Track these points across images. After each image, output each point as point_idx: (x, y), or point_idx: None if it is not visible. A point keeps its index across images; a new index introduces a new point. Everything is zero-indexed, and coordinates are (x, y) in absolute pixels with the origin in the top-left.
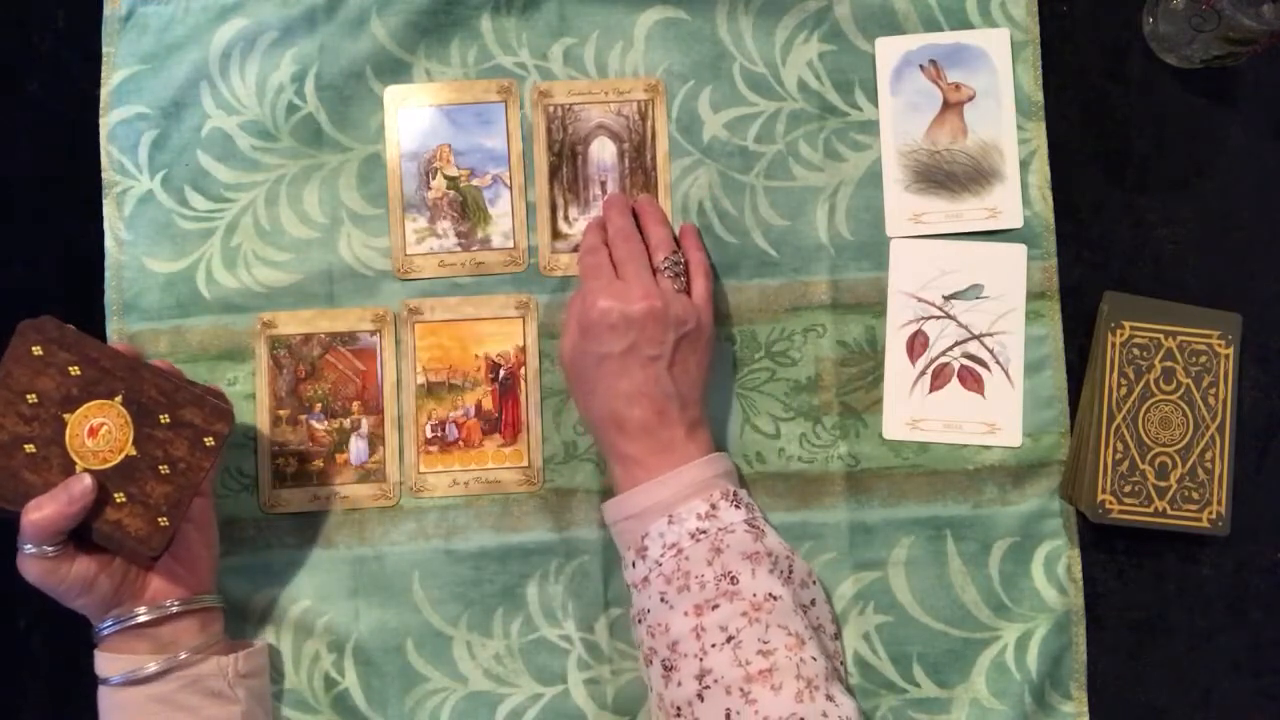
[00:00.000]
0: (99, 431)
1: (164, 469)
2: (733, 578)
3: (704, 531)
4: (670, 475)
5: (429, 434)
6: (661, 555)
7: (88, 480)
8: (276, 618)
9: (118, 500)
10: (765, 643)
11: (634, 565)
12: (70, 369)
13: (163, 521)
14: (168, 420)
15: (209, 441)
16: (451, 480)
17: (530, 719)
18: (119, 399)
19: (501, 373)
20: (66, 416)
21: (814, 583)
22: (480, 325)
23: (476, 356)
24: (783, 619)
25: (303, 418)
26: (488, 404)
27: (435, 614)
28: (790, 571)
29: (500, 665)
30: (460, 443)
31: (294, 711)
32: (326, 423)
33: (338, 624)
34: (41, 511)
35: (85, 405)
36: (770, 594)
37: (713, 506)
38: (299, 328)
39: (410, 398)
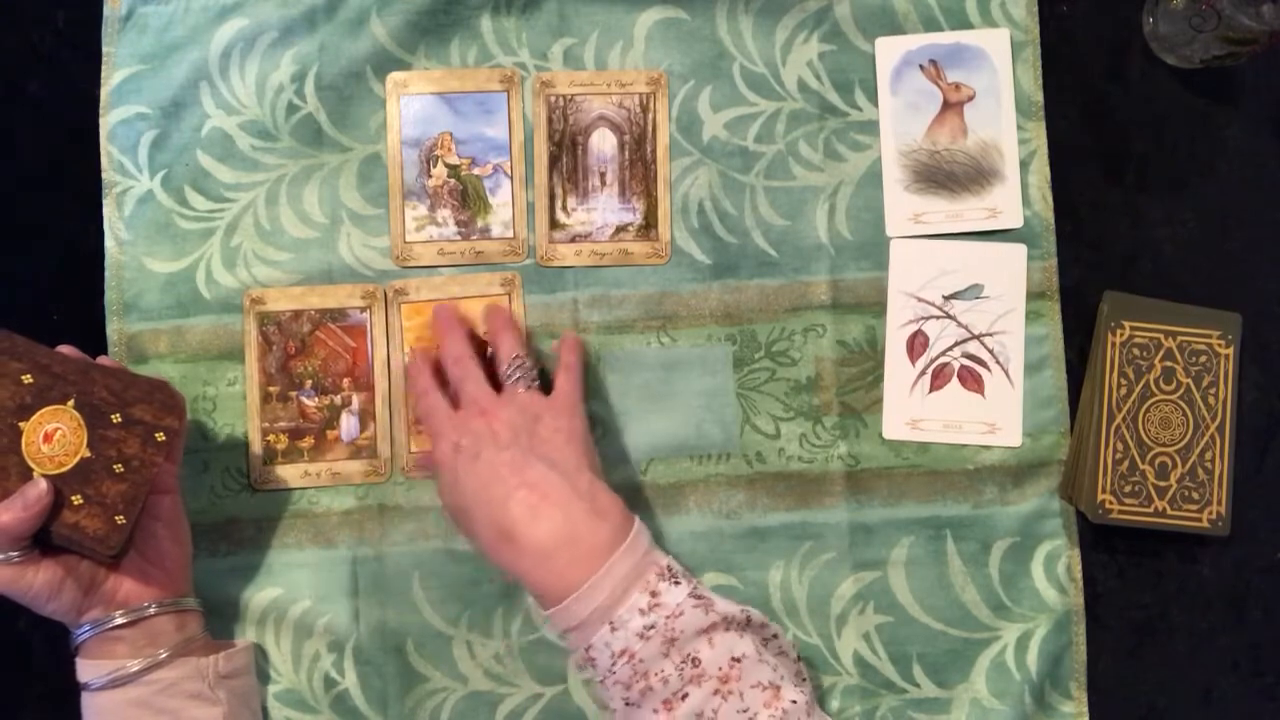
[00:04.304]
0: (54, 437)
1: (118, 468)
2: (694, 660)
3: (652, 627)
4: (599, 577)
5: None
6: (613, 664)
7: (43, 484)
8: (276, 618)
9: (75, 502)
10: (744, 711)
11: (582, 668)
12: (23, 378)
13: (119, 520)
14: (119, 419)
15: (160, 437)
16: None
17: (530, 719)
18: (71, 403)
19: (489, 350)
20: (21, 425)
21: (769, 620)
22: (466, 304)
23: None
24: (754, 676)
25: (293, 394)
26: None
27: (435, 614)
28: (749, 622)
29: (500, 665)
30: None
31: (294, 711)
32: (317, 399)
33: (338, 624)
34: None
35: (39, 412)
36: (734, 658)
37: (653, 594)
38: (288, 304)
39: (399, 379)
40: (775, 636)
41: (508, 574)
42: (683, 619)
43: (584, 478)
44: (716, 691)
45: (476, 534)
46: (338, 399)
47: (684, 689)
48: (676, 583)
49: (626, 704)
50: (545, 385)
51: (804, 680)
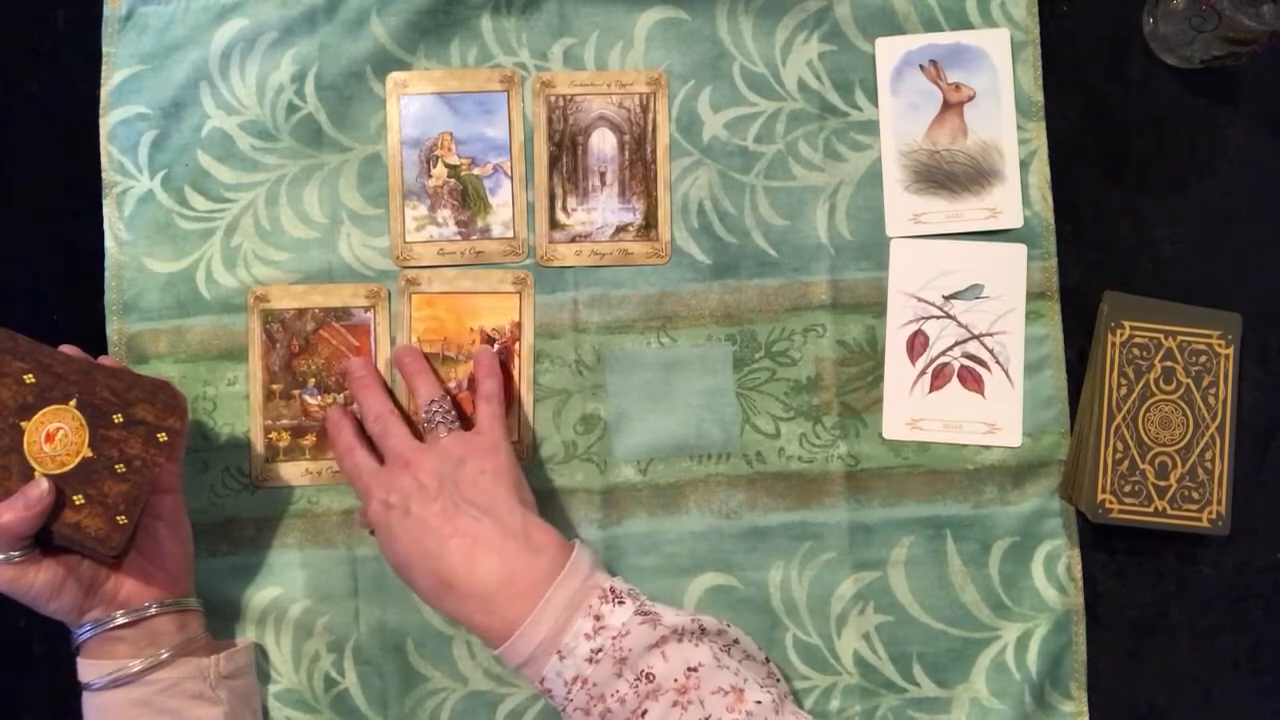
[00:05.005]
0: (56, 436)
1: (120, 468)
2: (648, 675)
3: (600, 650)
4: (539, 611)
5: None
6: (568, 692)
7: (45, 484)
8: (276, 618)
9: (76, 502)
10: (707, 718)
11: (543, 698)
12: (25, 377)
13: (121, 520)
14: (121, 419)
15: (162, 437)
16: None
17: (530, 719)
18: (73, 403)
19: (495, 346)
20: (23, 424)
21: (729, 625)
22: (477, 299)
23: (471, 330)
24: (714, 682)
25: (296, 392)
26: None
27: (435, 614)
28: (702, 630)
29: (500, 665)
30: None
31: (294, 711)
32: (320, 398)
33: (338, 624)
34: (0, 519)
35: (41, 412)
36: (690, 668)
37: (597, 618)
38: (292, 302)
39: (400, 378)
40: (737, 641)
41: (450, 616)
42: (630, 637)
43: (516, 516)
44: (676, 704)
45: (418, 586)
46: (340, 398)
47: (642, 705)
48: (621, 602)
49: None
50: (468, 421)
51: (777, 681)
